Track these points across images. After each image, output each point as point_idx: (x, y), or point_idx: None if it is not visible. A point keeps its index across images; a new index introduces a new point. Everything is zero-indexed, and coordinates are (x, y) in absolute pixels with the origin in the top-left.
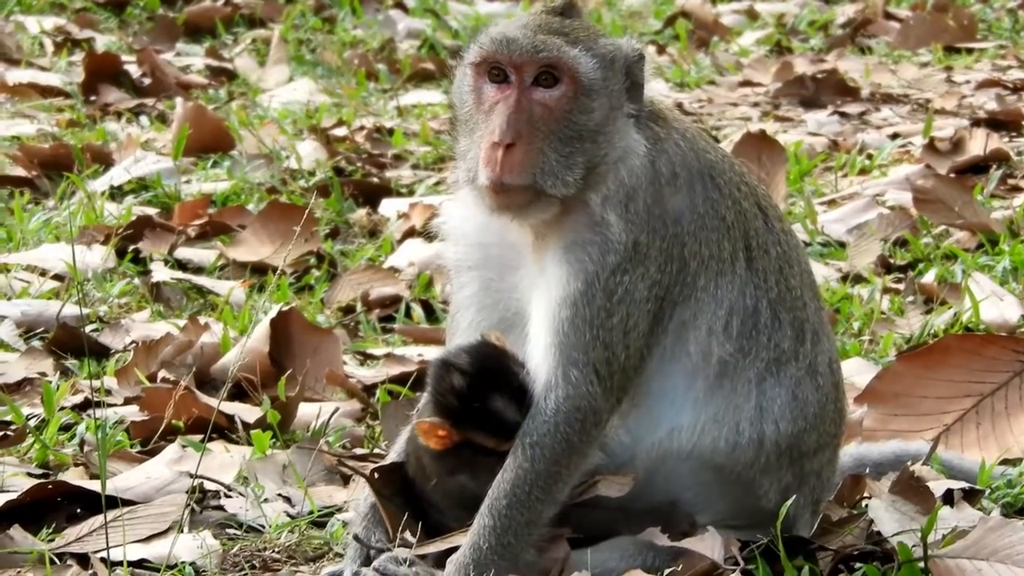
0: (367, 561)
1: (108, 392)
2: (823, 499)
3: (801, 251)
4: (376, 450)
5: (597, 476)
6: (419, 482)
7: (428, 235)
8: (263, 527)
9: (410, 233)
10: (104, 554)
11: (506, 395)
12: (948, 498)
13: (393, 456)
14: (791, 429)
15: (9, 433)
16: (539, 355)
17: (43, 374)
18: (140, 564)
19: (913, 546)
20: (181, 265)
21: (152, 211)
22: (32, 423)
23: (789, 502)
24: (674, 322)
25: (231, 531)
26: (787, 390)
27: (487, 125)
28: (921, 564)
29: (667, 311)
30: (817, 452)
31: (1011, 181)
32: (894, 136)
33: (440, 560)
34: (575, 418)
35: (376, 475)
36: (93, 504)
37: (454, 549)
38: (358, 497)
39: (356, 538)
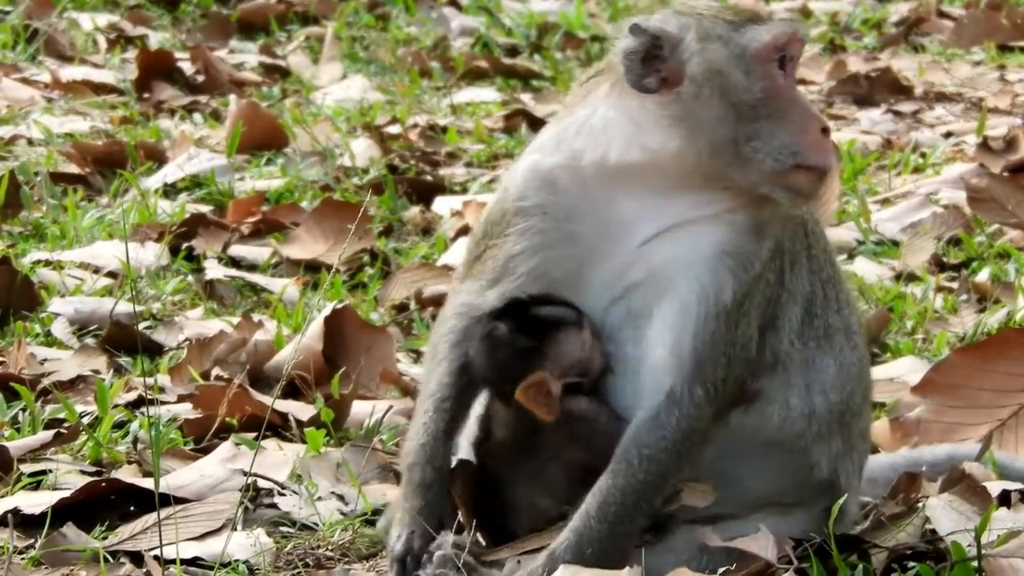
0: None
1: (161, 390)
2: (864, 466)
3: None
4: None
5: (680, 485)
6: (507, 470)
7: None
8: (316, 525)
9: (464, 231)
10: (157, 552)
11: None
12: (1005, 499)
13: (461, 455)
14: (839, 397)
15: (63, 431)
16: (664, 363)
17: (96, 371)
18: (193, 562)
19: (967, 546)
20: (235, 262)
21: (206, 208)
22: (86, 421)
23: (840, 501)
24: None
25: (284, 529)
26: (834, 359)
27: (797, 110)
28: (975, 563)
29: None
30: (863, 410)
31: None
32: (948, 135)
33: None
34: (691, 438)
35: (453, 479)
36: (146, 502)
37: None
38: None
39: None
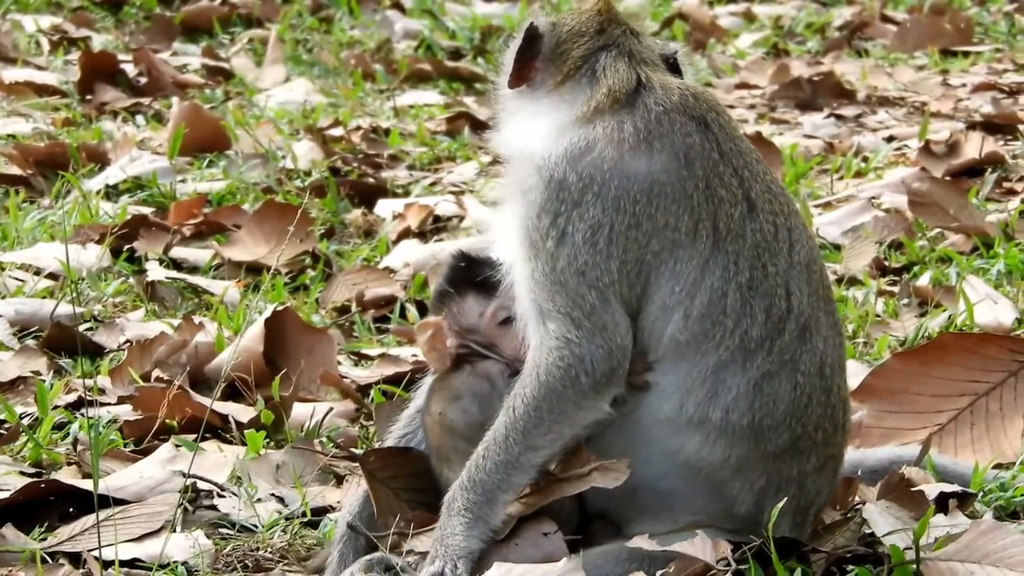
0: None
1: (101, 391)
2: (810, 510)
3: (802, 246)
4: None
5: (592, 465)
6: (431, 439)
7: (423, 235)
8: (256, 527)
9: (405, 234)
10: (97, 553)
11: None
12: (942, 503)
13: (391, 442)
14: (745, 420)
15: (2, 432)
16: (522, 316)
17: (37, 373)
18: (133, 563)
19: (905, 549)
20: (176, 264)
21: (147, 210)
22: (25, 422)
23: (779, 505)
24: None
25: (224, 531)
26: (749, 382)
27: None
28: (913, 567)
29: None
30: (795, 455)
31: (1006, 184)
32: (890, 139)
33: None
34: (557, 366)
35: (372, 457)
36: (86, 503)
37: None
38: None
39: (351, 526)
